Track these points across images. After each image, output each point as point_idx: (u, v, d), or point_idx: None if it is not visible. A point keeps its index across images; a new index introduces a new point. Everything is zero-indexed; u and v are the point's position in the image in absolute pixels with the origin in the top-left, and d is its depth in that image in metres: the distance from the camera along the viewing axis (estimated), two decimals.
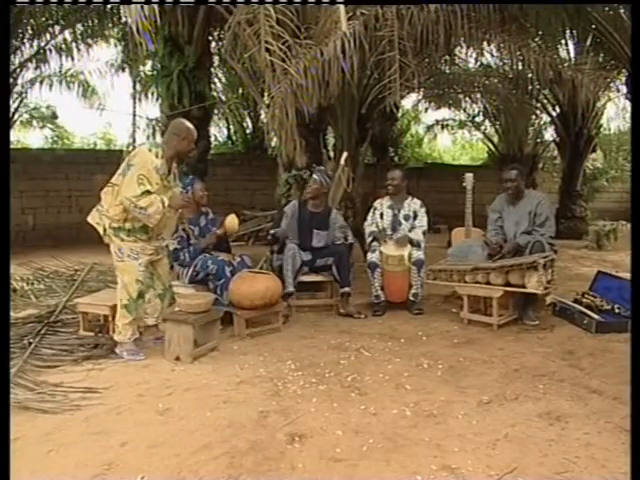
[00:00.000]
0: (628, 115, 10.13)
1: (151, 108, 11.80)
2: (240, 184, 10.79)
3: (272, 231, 4.48)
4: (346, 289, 4.34)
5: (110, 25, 9.44)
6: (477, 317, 4.08)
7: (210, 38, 7.04)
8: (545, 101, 10.47)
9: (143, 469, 1.98)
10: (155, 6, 3.79)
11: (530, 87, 9.33)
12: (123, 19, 8.68)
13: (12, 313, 4.00)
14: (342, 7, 4.18)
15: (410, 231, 4.50)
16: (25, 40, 8.56)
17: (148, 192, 3.13)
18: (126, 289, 3.28)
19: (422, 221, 4.54)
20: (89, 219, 3.36)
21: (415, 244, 4.42)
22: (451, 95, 11.05)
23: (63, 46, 9.08)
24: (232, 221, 4.26)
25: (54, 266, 5.79)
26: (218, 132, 13.51)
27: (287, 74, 4.29)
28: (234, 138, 13.42)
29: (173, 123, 3.45)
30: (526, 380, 2.88)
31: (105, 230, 3.28)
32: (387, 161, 12.25)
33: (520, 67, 6.17)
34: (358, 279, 5.18)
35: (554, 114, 10.51)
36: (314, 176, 4.60)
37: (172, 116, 6.14)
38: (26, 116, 12.32)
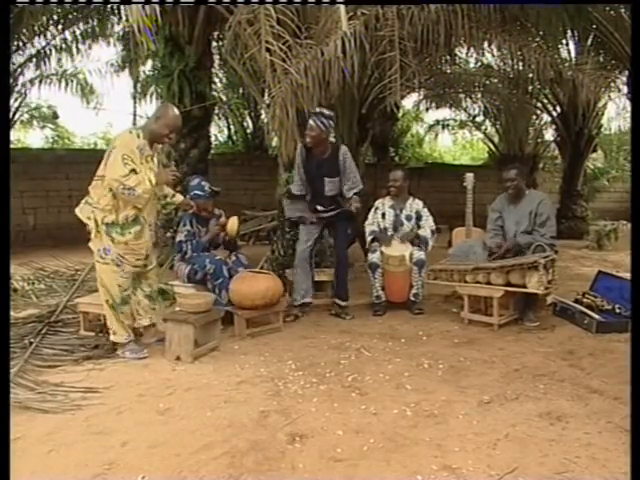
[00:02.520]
0: (628, 115, 10.12)
1: (151, 108, 11.75)
2: (241, 184, 10.79)
3: (289, 187, 4.33)
4: (341, 302, 4.28)
5: (110, 25, 9.44)
6: (478, 317, 4.08)
7: (211, 38, 7.03)
8: (546, 101, 10.46)
9: (144, 469, 1.98)
10: (155, 6, 3.78)
11: (531, 87, 9.33)
12: (124, 18, 8.69)
13: (13, 313, 4.00)
14: (342, 7, 4.18)
15: (414, 229, 4.51)
16: (25, 40, 8.57)
17: (134, 172, 3.10)
18: (108, 292, 3.24)
19: (429, 221, 4.55)
20: (77, 211, 3.28)
21: (423, 241, 4.43)
22: (451, 95, 11.03)
23: (63, 46, 9.08)
24: (232, 223, 4.25)
25: (55, 266, 5.78)
26: (219, 132, 13.52)
27: (288, 74, 4.29)
28: (234, 138, 13.42)
29: (160, 106, 3.45)
30: (527, 380, 2.88)
31: (97, 225, 3.18)
32: (388, 161, 12.25)
33: (521, 67, 6.17)
34: (359, 279, 5.19)
35: (555, 114, 10.50)
36: (310, 121, 4.08)
37: None
38: (27, 116, 12.33)
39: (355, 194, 4.18)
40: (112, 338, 3.30)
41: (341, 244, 4.31)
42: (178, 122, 3.28)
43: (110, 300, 3.25)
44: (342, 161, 4.17)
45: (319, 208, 4.30)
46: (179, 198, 3.72)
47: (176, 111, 3.28)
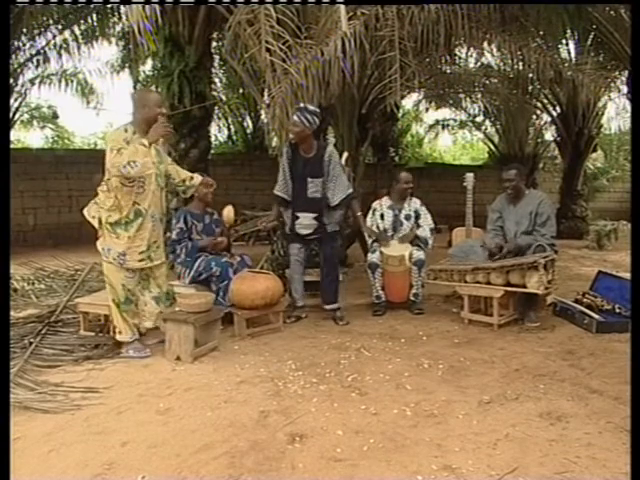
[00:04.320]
0: (629, 115, 10.13)
1: None
2: (241, 184, 10.80)
3: (275, 192, 4.15)
4: (332, 306, 4.20)
5: (111, 24, 9.45)
6: (478, 317, 4.08)
7: (211, 38, 7.04)
8: (546, 101, 10.48)
9: (144, 469, 1.98)
10: (156, 6, 3.78)
11: (531, 87, 9.33)
12: (124, 17, 8.70)
13: (13, 313, 4.01)
14: (342, 7, 4.18)
15: (413, 230, 4.50)
16: (25, 40, 8.58)
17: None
18: (114, 290, 3.29)
19: (427, 219, 4.54)
20: (85, 211, 3.36)
21: (423, 241, 4.42)
22: (451, 95, 11.05)
23: (64, 45, 9.09)
24: (229, 212, 4.21)
25: (55, 266, 5.79)
26: (219, 132, 13.54)
27: (287, 74, 4.29)
28: (234, 138, 13.43)
29: (136, 96, 3.35)
30: (527, 380, 2.87)
31: (101, 223, 3.25)
32: (388, 161, 12.26)
33: (521, 67, 6.17)
34: (359, 279, 5.19)
35: (555, 114, 10.51)
36: (294, 117, 3.91)
37: (173, 116, 6.15)
38: (27, 116, 12.35)
39: (347, 198, 4.05)
40: (118, 337, 3.33)
41: (327, 248, 4.15)
42: (160, 98, 3.35)
43: (116, 299, 3.29)
44: (327, 161, 3.96)
45: (300, 222, 4.06)
46: (198, 179, 3.65)
47: (153, 91, 3.50)
